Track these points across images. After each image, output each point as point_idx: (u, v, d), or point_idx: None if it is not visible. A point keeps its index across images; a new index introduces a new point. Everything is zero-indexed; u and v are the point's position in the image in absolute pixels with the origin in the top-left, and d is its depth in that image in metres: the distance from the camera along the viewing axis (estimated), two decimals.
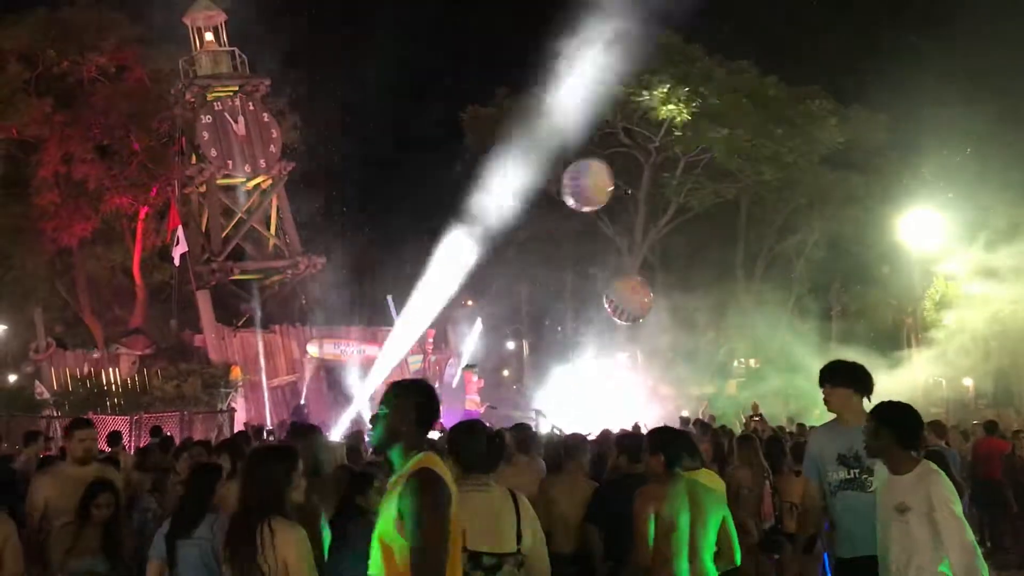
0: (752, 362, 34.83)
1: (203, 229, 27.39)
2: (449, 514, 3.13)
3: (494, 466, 3.70)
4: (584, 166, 19.36)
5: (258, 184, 27.45)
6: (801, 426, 15.32)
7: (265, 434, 16.97)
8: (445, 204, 32.78)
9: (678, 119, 30.74)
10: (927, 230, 28.85)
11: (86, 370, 23.12)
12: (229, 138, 26.43)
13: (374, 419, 3.41)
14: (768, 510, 7.70)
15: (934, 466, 4.18)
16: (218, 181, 26.81)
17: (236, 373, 24.00)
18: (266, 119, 27.40)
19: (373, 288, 29.31)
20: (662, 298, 29.05)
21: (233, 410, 22.49)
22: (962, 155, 32.22)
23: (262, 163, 26.82)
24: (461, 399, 24.82)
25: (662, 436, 4.91)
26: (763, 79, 32.72)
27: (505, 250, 34.22)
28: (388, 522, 3.17)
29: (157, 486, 7.48)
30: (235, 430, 18.65)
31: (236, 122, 26.56)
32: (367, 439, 9.05)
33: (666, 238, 34.85)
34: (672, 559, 4.48)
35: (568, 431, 10.23)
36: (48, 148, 27.66)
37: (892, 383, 18.95)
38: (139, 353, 23.91)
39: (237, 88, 27.08)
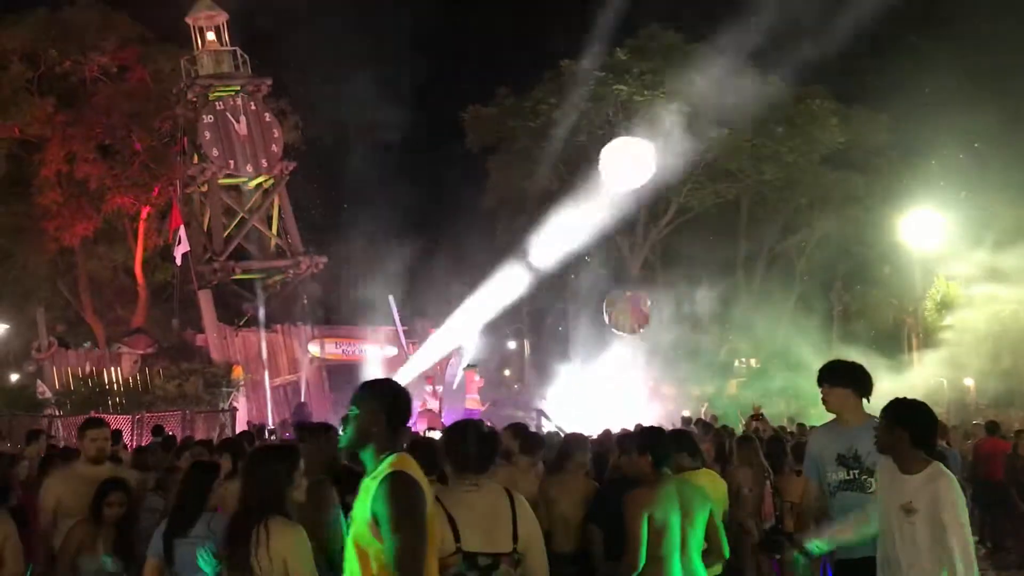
0: (753, 362, 34.82)
1: (205, 229, 27.41)
2: (425, 516, 3.10)
3: (488, 466, 3.68)
4: (623, 144, 19.03)
5: (260, 184, 27.47)
6: (801, 426, 15.32)
7: (267, 434, 17.01)
8: (446, 203, 32.88)
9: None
10: (928, 230, 28.84)
11: (88, 369, 23.15)
12: (231, 138, 26.44)
13: (344, 420, 3.33)
14: (768, 510, 7.71)
15: (945, 468, 4.13)
16: (220, 181, 26.83)
17: (238, 372, 24.03)
18: (268, 119, 27.42)
19: (374, 288, 29.30)
20: (663, 298, 29.08)
21: (235, 409, 22.52)
22: (963, 155, 32.21)
23: (264, 163, 26.83)
24: (462, 398, 24.82)
25: (649, 437, 4.89)
26: (764, 78, 32.69)
27: (506, 249, 34.28)
28: (362, 525, 3.12)
29: (161, 485, 7.49)
30: (238, 429, 18.68)
31: (238, 122, 26.56)
32: None
33: (667, 238, 34.86)
34: (664, 560, 4.51)
35: (569, 431, 10.23)
36: (50, 147, 27.71)
37: (893, 383, 18.94)
38: (141, 352, 23.94)
39: (239, 88, 27.09)
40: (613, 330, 23.78)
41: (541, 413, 22.71)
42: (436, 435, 8.84)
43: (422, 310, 28.06)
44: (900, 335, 35.59)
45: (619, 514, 4.71)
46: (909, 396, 4.33)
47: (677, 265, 33.23)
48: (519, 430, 7.09)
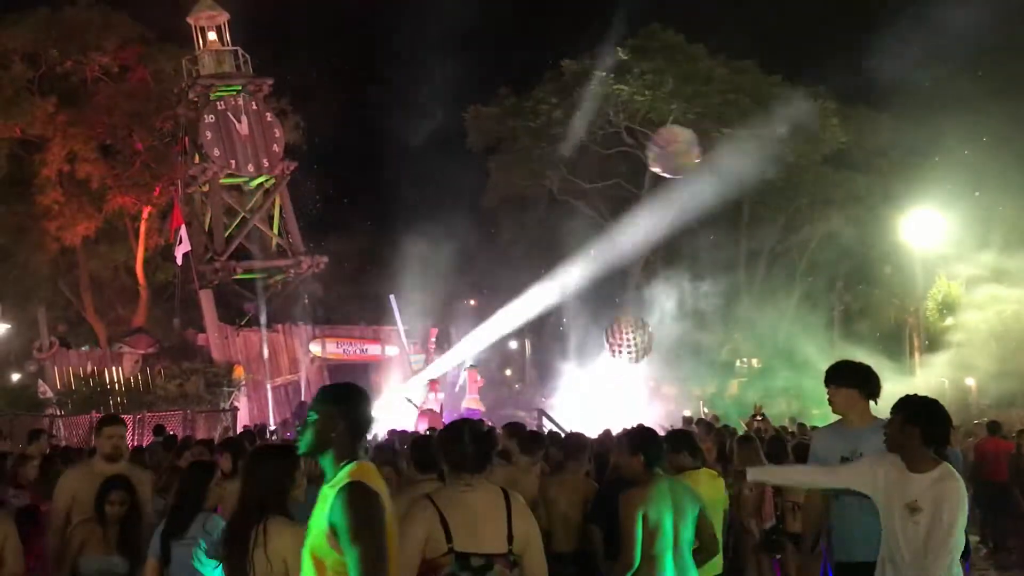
0: (755, 362, 34.81)
1: (206, 228, 27.42)
2: (384, 526, 3.05)
3: (485, 466, 3.65)
4: (672, 133, 18.94)
5: (261, 183, 27.48)
6: (802, 425, 15.31)
7: (268, 433, 17.02)
8: (448, 203, 32.87)
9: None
10: (929, 230, 28.82)
11: (89, 369, 23.17)
12: (232, 137, 26.44)
13: (304, 424, 3.26)
14: (769, 510, 7.70)
15: (954, 471, 4.11)
16: (221, 180, 26.83)
17: (239, 372, 24.05)
18: (269, 118, 27.42)
19: (375, 287, 29.31)
20: (664, 297, 29.06)
21: (236, 409, 22.54)
22: (964, 155, 32.16)
23: (265, 162, 26.83)
24: (462, 398, 24.86)
25: (640, 437, 4.92)
26: (766, 78, 32.71)
27: (508, 249, 34.30)
28: (320, 535, 3.07)
29: (166, 485, 7.48)
30: (239, 429, 18.68)
31: (239, 121, 26.56)
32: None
33: (669, 237, 34.80)
34: (657, 558, 4.57)
35: (569, 431, 10.21)
36: (51, 147, 27.73)
37: (895, 383, 18.91)
38: (142, 352, 23.97)
39: (240, 88, 27.10)
40: (613, 357, 23.95)
41: (542, 413, 22.72)
42: None
43: (423, 310, 28.05)
44: (901, 335, 35.56)
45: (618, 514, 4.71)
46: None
47: (679, 264, 33.21)
48: (516, 430, 7.08)
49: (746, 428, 14.44)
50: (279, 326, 25.96)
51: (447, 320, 30.37)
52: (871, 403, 4.84)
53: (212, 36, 27.76)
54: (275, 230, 27.82)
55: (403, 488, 5.05)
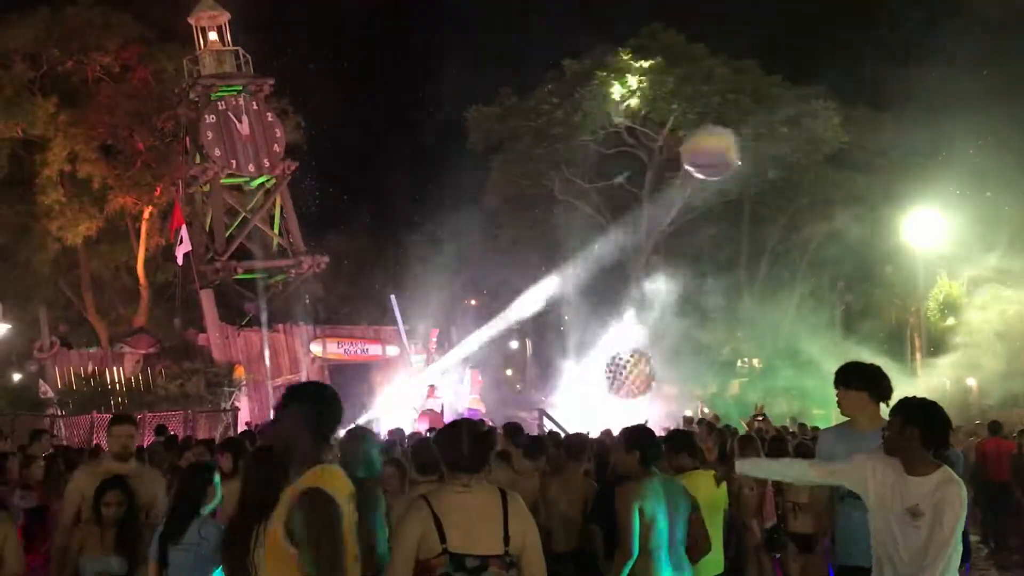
0: (756, 362, 34.78)
1: (207, 228, 27.44)
2: (341, 532, 3.04)
3: (482, 466, 3.63)
4: (707, 132, 18.82)
5: (262, 183, 27.50)
6: (803, 426, 15.33)
7: None
8: (449, 203, 32.87)
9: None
10: (930, 230, 28.79)
11: (90, 369, 23.16)
12: (233, 137, 26.45)
13: (272, 423, 3.26)
14: (770, 510, 7.70)
15: (954, 474, 4.05)
16: (222, 180, 26.85)
17: (240, 372, 24.05)
18: (270, 118, 27.44)
19: (376, 287, 29.33)
20: (664, 296, 29.03)
21: (237, 409, 22.54)
22: (966, 156, 32.15)
23: (266, 162, 26.85)
24: (464, 398, 24.85)
25: (637, 434, 4.99)
26: (766, 78, 32.68)
27: (509, 249, 34.26)
28: (276, 538, 3.06)
29: (167, 486, 7.48)
30: (240, 429, 18.69)
31: (240, 121, 26.58)
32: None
33: (670, 237, 34.81)
34: (652, 553, 4.66)
35: (570, 431, 10.21)
36: (53, 147, 27.72)
37: (897, 383, 18.87)
38: (143, 352, 23.97)
39: (241, 88, 27.12)
40: (612, 392, 24.06)
41: (543, 413, 22.71)
42: None
43: (424, 310, 28.06)
44: (903, 335, 35.53)
45: None
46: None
47: (680, 264, 33.20)
48: (514, 430, 7.09)
49: (747, 428, 14.45)
50: (280, 326, 25.95)
51: (448, 320, 30.38)
52: (882, 406, 4.74)
53: (213, 36, 27.78)
54: (276, 230, 27.83)
55: (407, 489, 5.07)
